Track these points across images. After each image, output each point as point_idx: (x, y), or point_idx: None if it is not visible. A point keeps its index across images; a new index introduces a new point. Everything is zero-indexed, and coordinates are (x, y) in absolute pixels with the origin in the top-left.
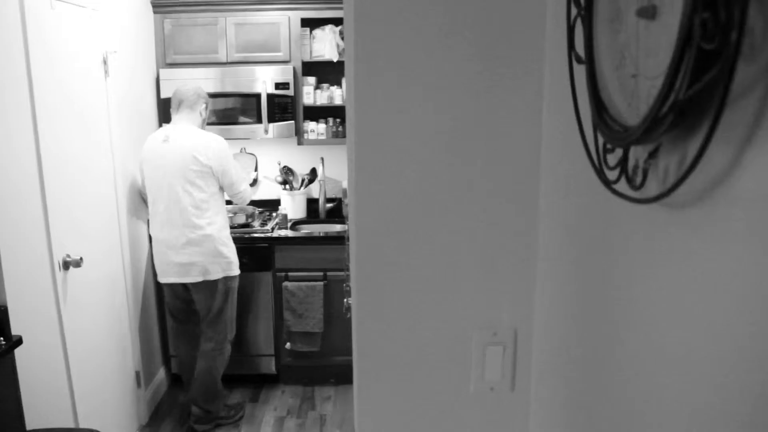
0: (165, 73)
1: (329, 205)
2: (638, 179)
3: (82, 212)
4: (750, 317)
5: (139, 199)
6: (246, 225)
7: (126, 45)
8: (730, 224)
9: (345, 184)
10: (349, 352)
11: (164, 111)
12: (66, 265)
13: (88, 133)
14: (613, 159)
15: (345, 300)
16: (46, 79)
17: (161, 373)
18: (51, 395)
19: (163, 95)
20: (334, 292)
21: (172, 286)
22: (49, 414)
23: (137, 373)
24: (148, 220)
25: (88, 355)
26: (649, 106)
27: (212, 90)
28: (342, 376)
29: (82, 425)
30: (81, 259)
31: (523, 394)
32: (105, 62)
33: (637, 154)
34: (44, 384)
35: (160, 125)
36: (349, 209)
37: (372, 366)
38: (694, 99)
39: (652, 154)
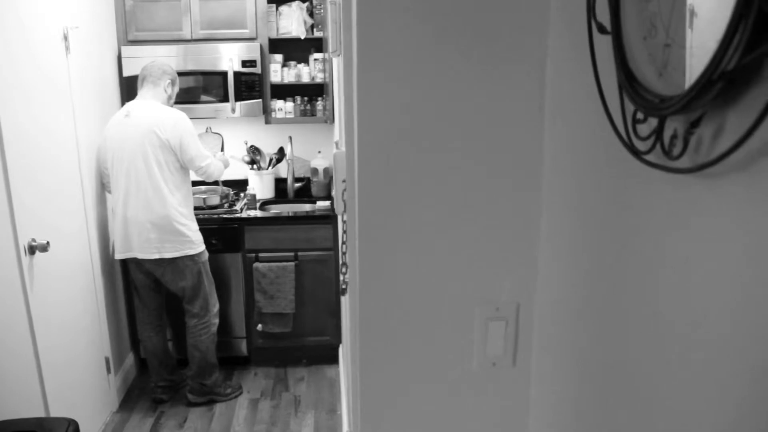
0: (127, 50)
1: (298, 184)
2: (676, 149)
3: (47, 195)
4: None
5: (106, 180)
6: (220, 206)
7: (86, 21)
8: None
9: (313, 163)
10: (321, 333)
11: (127, 89)
12: (32, 250)
13: (50, 112)
14: (643, 130)
15: (342, 278)
16: (4, 57)
17: (130, 359)
18: (20, 385)
19: (125, 73)
20: (305, 273)
21: (134, 260)
22: (18, 404)
23: (107, 359)
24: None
25: (58, 343)
26: (690, 74)
27: (177, 68)
28: (314, 356)
29: (53, 414)
30: (48, 243)
31: (524, 369)
32: (66, 38)
33: (675, 124)
34: (12, 374)
35: (123, 104)
36: (348, 185)
37: (374, 342)
38: (746, 67)
39: (695, 124)
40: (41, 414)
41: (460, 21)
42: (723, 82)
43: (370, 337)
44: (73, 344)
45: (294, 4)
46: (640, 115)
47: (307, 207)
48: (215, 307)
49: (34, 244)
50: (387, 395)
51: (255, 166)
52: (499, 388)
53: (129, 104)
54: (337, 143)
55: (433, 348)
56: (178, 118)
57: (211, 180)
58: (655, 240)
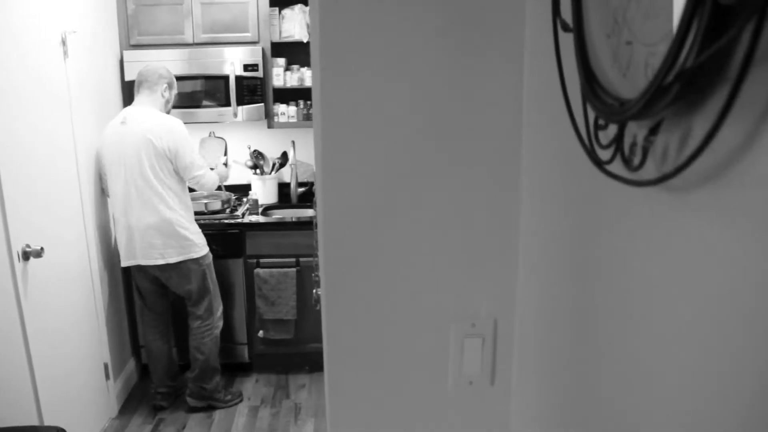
0: (129, 54)
1: (301, 189)
2: (636, 159)
3: (42, 199)
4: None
5: (105, 185)
6: (222, 211)
7: (86, 25)
8: (744, 208)
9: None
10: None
11: (129, 94)
12: (26, 256)
13: (47, 117)
14: (605, 137)
15: (314, 291)
16: None
17: (131, 364)
18: (12, 393)
19: (127, 78)
20: (307, 279)
21: (139, 267)
22: (11, 412)
23: (106, 366)
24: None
25: (53, 350)
26: (650, 75)
27: (179, 72)
28: (316, 363)
29: (48, 422)
30: (42, 248)
31: (503, 388)
32: (64, 43)
33: (635, 130)
34: (4, 381)
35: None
36: (317, 195)
37: (344, 360)
38: (704, 66)
39: (653, 131)
40: (34, 422)
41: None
42: (679, 84)
43: (339, 355)
44: (69, 351)
45: (297, 8)
46: (601, 121)
47: (310, 212)
48: (219, 310)
49: (28, 249)
50: (358, 416)
51: (258, 171)
52: (477, 408)
53: (125, 110)
54: None
55: (405, 367)
56: (173, 125)
57: (204, 190)
58: (626, 257)
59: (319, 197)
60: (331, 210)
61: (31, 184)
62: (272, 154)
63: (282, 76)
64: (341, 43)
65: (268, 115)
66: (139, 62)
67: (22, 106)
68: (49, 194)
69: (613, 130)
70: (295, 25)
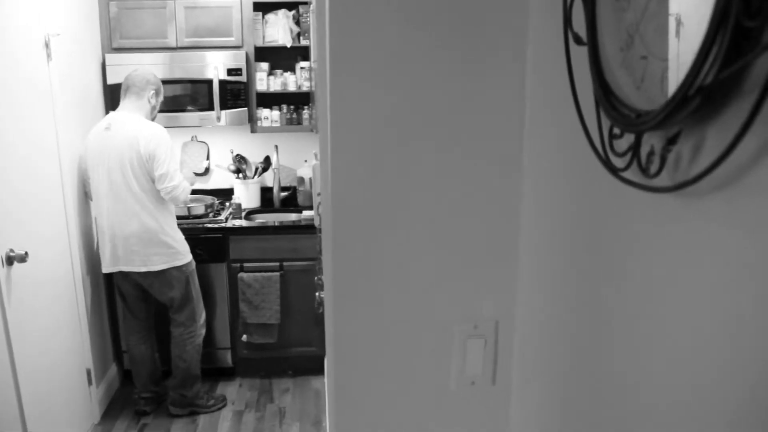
0: (111, 58)
1: (284, 193)
2: (654, 167)
3: (26, 204)
4: None
5: (88, 188)
6: (205, 215)
7: (69, 28)
8: (759, 214)
9: (300, 173)
10: (307, 343)
11: (111, 97)
12: (10, 261)
13: (30, 121)
14: (620, 145)
15: (317, 294)
16: None
17: (113, 369)
18: None
19: (110, 81)
20: (291, 283)
21: (121, 272)
22: None
23: (88, 371)
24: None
25: (37, 356)
26: (667, 88)
27: (162, 76)
28: (300, 367)
29: (31, 429)
30: (26, 253)
31: (504, 388)
32: (47, 45)
33: (652, 140)
34: None
35: (107, 112)
36: (323, 199)
37: (348, 361)
38: (725, 81)
39: (672, 140)
40: (18, 428)
41: (440, 29)
42: (700, 97)
43: (344, 357)
44: (52, 357)
45: (280, 12)
46: (616, 130)
47: (293, 216)
48: (202, 318)
49: (12, 254)
50: (361, 417)
51: (241, 175)
52: (478, 407)
53: (110, 116)
54: (316, 154)
55: (409, 368)
56: (156, 132)
57: (175, 203)
58: (636, 261)
59: (326, 202)
60: (339, 215)
61: (16, 188)
62: (255, 158)
63: (265, 81)
64: (351, 53)
65: (251, 120)
66: (121, 66)
67: (7, 109)
68: (33, 198)
69: (628, 139)
70: (278, 29)
